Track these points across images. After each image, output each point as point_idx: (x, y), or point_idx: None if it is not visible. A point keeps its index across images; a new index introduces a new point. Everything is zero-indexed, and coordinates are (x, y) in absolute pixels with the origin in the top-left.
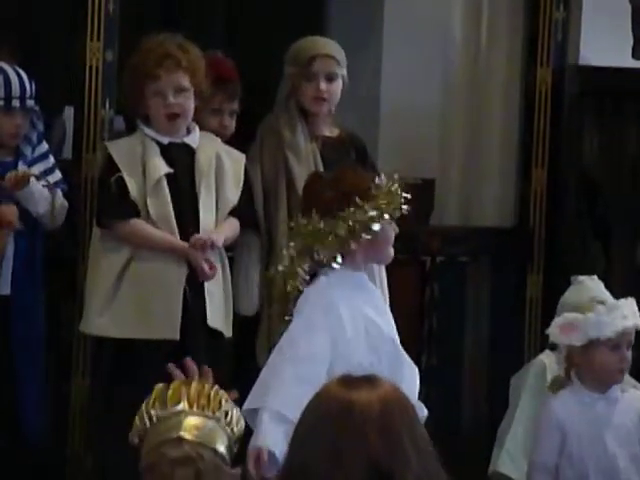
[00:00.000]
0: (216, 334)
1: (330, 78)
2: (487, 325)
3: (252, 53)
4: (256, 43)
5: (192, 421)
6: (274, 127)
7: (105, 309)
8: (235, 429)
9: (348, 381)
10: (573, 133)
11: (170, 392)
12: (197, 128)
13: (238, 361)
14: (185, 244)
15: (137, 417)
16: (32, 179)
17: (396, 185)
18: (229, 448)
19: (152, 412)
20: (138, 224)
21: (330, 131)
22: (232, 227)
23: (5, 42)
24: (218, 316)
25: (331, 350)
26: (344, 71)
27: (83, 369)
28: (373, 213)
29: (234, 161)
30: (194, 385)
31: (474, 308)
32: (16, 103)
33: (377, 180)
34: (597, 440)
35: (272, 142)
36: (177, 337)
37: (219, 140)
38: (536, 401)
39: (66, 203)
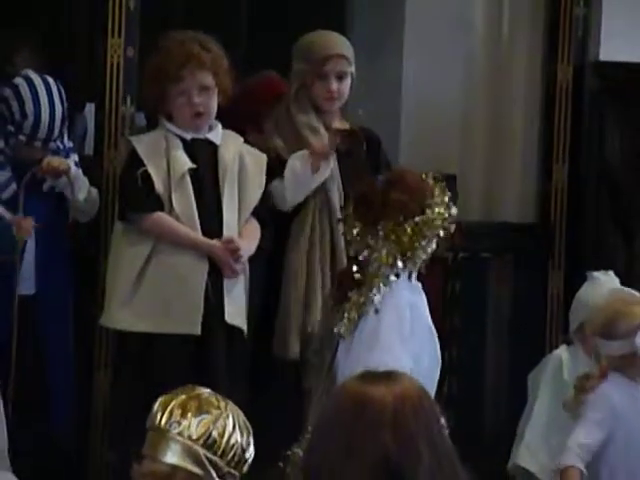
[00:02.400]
0: (235, 330)
1: (340, 77)
2: (508, 321)
3: (273, 51)
4: (277, 42)
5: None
6: (287, 115)
7: (127, 303)
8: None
9: (367, 377)
10: (594, 129)
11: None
12: (219, 125)
13: (252, 354)
14: (209, 241)
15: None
16: (72, 169)
17: (440, 184)
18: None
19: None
20: (163, 217)
21: (341, 124)
22: (256, 235)
23: (27, 41)
24: (237, 313)
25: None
26: (353, 68)
27: (105, 364)
28: (443, 214)
29: (256, 161)
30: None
31: (495, 304)
32: (38, 144)
33: (431, 182)
34: None
35: (284, 127)
36: (198, 332)
37: (242, 139)
38: (554, 395)
39: (96, 191)
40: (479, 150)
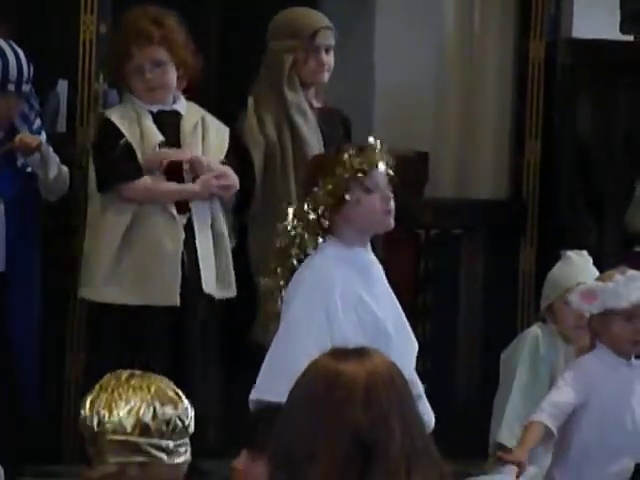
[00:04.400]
0: (210, 299)
1: (328, 49)
2: (480, 297)
3: (247, 28)
4: (251, 18)
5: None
6: (274, 90)
7: (110, 276)
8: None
9: (338, 353)
10: (566, 105)
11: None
12: (182, 97)
13: (232, 334)
14: (193, 186)
15: (86, 417)
16: (43, 146)
17: (351, 152)
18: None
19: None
20: (149, 180)
21: (320, 103)
22: (225, 170)
23: (1, 16)
24: (212, 280)
25: (328, 330)
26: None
27: (78, 341)
28: (329, 187)
29: (218, 129)
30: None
31: (468, 280)
32: (11, 87)
33: (339, 153)
34: (622, 403)
35: (272, 106)
36: (177, 303)
37: (203, 110)
38: (532, 372)
39: (67, 170)
40: (452, 127)
